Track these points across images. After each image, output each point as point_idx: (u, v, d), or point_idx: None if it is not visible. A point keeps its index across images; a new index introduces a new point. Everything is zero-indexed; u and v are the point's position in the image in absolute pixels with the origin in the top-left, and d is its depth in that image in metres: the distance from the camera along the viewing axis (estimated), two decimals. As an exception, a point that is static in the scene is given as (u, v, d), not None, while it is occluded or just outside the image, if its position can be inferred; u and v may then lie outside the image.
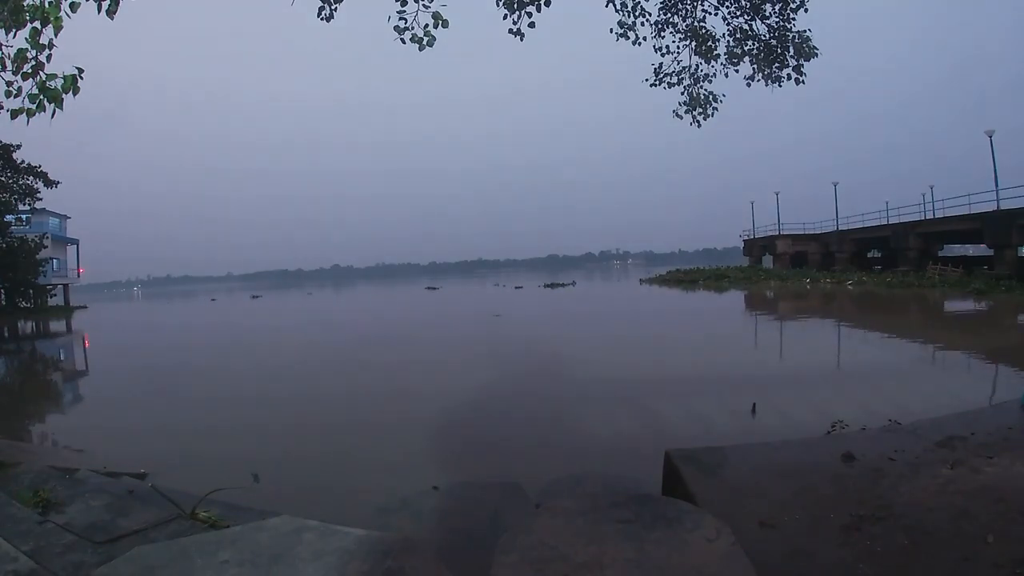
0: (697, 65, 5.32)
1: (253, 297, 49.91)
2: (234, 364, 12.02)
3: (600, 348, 11.85)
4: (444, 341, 14.29)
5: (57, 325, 26.58)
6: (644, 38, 5.07)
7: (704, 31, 5.18)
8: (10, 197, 29.28)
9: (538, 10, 4.25)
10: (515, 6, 4.22)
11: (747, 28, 5.12)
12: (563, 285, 41.91)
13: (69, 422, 7.78)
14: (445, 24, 3.54)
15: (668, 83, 5.40)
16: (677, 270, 42.82)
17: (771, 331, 14.82)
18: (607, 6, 4.91)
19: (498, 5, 4.27)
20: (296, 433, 6.24)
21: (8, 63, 2.57)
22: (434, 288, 44.89)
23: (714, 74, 5.33)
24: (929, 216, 27.64)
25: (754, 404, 6.07)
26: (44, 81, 2.54)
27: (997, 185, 22.99)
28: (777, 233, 40.13)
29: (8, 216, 29.57)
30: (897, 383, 7.27)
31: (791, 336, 13.35)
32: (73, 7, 2.57)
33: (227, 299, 49.23)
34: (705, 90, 5.34)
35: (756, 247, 42.84)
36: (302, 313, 29.88)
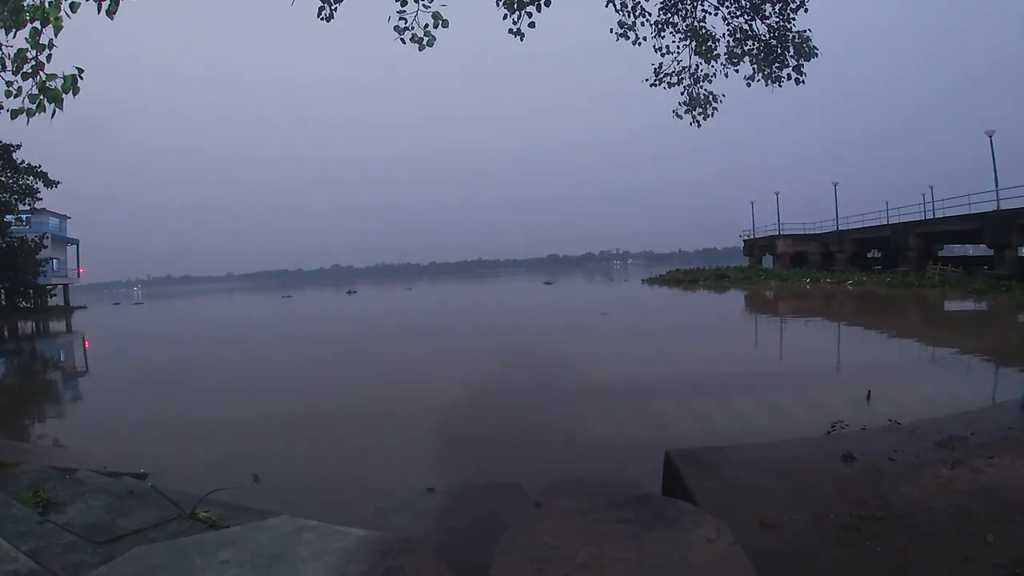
0: (697, 65, 5.32)
1: (349, 293, 47.67)
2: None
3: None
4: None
5: (59, 325, 26.58)
6: (644, 38, 5.07)
7: (704, 31, 5.18)
8: (10, 197, 29.30)
9: (538, 10, 4.25)
10: (515, 6, 4.21)
11: (747, 28, 5.12)
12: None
13: (75, 422, 7.77)
14: (445, 24, 3.53)
15: (668, 83, 5.40)
16: (677, 270, 42.81)
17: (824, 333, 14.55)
18: (607, 6, 4.91)
19: (498, 5, 4.27)
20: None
21: (8, 63, 2.57)
22: (550, 283, 49.94)
23: (714, 74, 5.33)
24: (929, 216, 27.65)
25: (869, 392, 6.34)
26: (44, 81, 2.54)
27: (997, 185, 23.02)
28: (777, 233, 40.13)
29: (8, 216, 29.58)
30: (897, 383, 7.27)
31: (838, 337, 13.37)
32: (73, 7, 2.57)
33: (309, 297, 44.62)
34: (705, 90, 5.35)
35: (756, 247, 42.84)
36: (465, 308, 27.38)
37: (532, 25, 4.25)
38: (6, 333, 23.17)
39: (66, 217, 40.40)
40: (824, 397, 6.55)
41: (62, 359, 15.70)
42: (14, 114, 2.57)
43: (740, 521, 2.46)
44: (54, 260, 36.42)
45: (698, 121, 5.39)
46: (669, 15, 5.14)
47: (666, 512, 2.34)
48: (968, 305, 17.53)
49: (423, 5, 3.54)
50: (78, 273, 42.23)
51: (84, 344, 19.37)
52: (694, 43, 5.22)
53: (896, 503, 2.63)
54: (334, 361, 12.07)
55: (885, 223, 30.86)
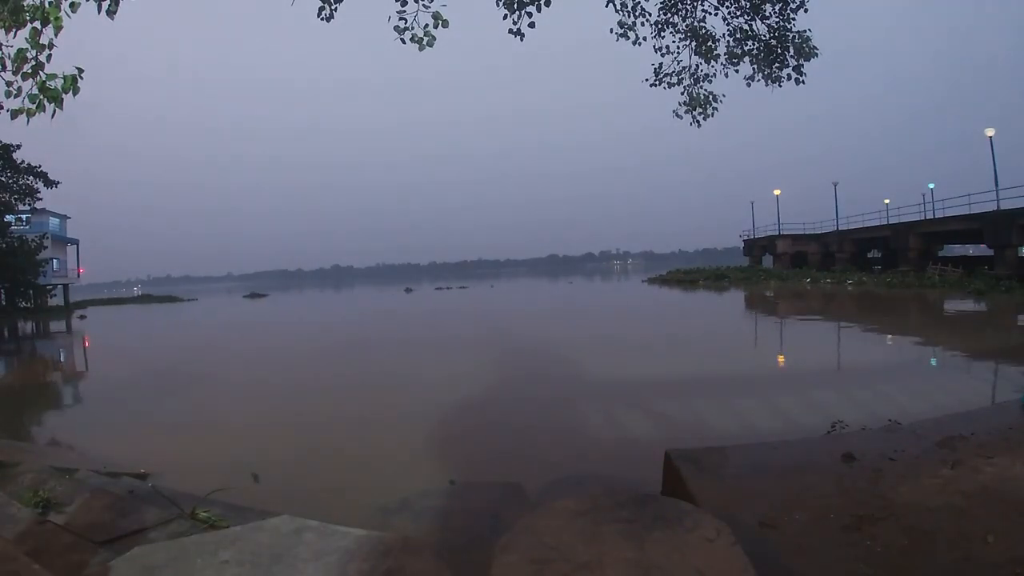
0: (697, 65, 5.32)
1: (438, 290, 44.00)
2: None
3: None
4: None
5: (59, 325, 26.56)
6: (644, 38, 5.07)
7: (704, 31, 5.18)
8: (10, 197, 29.34)
9: (538, 10, 4.25)
10: (515, 6, 4.21)
11: (747, 28, 5.12)
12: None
13: (75, 422, 7.75)
14: (445, 24, 3.53)
15: (668, 83, 5.39)
16: (677, 270, 42.85)
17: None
18: (607, 6, 4.91)
19: (498, 5, 4.27)
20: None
21: (8, 63, 2.57)
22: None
23: (714, 74, 5.33)
24: (929, 216, 27.65)
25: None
26: (44, 81, 2.54)
27: (997, 185, 23.02)
28: (777, 233, 40.13)
29: (8, 216, 29.62)
30: (897, 383, 7.27)
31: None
32: (73, 7, 2.57)
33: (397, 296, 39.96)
34: (705, 90, 5.34)
35: (756, 247, 42.83)
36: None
37: (532, 25, 4.25)
38: (6, 333, 23.17)
39: (66, 217, 40.40)
40: (824, 397, 6.55)
41: (62, 359, 15.69)
42: (14, 114, 2.57)
43: (740, 521, 2.46)
44: (54, 260, 36.47)
45: (698, 121, 5.38)
46: (669, 15, 5.14)
47: (666, 512, 2.34)
48: (968, 305, 17.52)
49: (423, 5, 3.54)
50: (78, 273, 42.24)
51: (84, 343, 19.38)
52: (694, 43, 5.22)
53: (896, 503, 2.63)
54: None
55: (885, 223, 30.84)
